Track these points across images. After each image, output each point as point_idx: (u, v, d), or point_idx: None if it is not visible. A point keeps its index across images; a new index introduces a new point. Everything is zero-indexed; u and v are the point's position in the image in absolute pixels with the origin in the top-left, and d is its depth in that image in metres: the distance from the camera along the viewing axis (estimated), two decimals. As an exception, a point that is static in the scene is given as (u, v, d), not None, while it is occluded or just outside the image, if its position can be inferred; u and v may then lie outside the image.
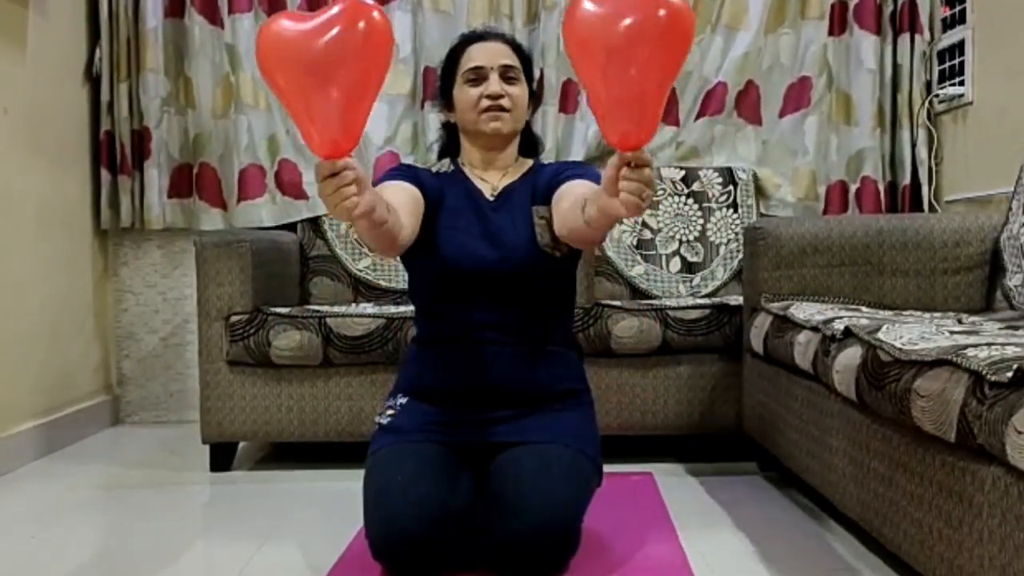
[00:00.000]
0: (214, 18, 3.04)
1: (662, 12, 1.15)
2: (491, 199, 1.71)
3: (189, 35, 3.04)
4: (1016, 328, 1.62)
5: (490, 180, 1.74)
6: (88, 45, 3.06)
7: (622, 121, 1.18)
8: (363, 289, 2.97)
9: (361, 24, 1.20)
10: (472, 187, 1.72)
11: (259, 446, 2.80)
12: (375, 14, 1.22)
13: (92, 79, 3.06)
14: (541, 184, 1.70)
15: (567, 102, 3.08)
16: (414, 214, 1.59)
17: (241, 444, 2.63)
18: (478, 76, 1.68)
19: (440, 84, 1.78)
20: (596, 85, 1.20)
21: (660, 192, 3.04)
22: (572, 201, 1.50)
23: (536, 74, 2.92)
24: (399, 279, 2.95)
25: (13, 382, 2.58)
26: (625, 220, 2.98)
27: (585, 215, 1.40)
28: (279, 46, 1.21)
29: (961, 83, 2.84)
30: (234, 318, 2.43)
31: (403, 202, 1.56)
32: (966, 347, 1.25)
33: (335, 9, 1.22)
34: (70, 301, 2.94)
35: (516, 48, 1.75)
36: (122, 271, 3.21)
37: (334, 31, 1.19)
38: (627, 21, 1.15)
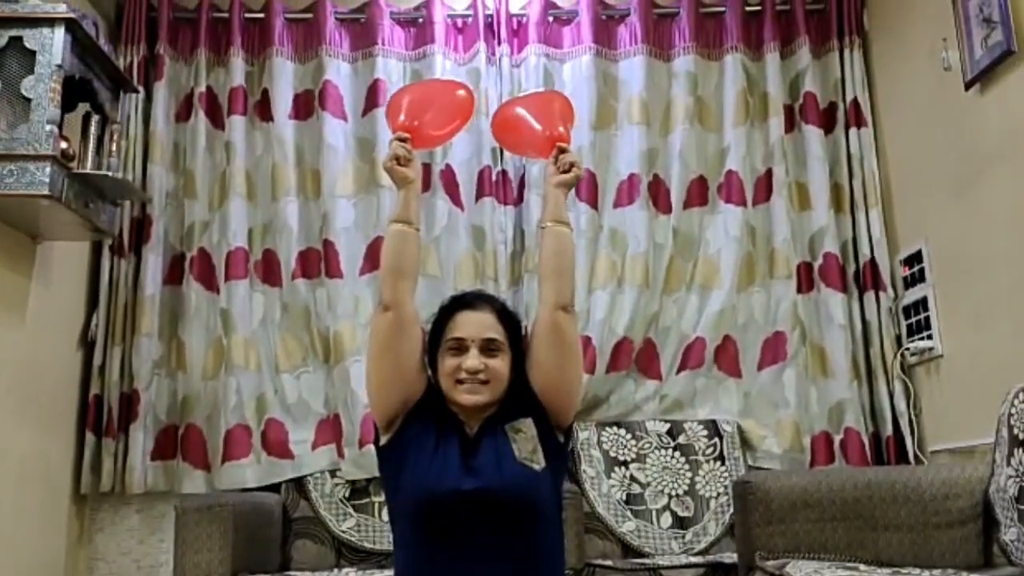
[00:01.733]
0: (211, 284, 3.17)
1: (538, 90, 2.53)
2: (472, 434, 1.72)
3: (186, 300, 3.15)
4: (1017, 587, 1.58)
5: (472, 422, 1.75)
6: (86, 311, 3.15)
7: (546, 142, 1.92)
8: (346, 552, 2.88)
9: (460, 92, 2.08)
10: (457, 423, 1.74)
11: None
12: (462, 92, 2.09)
13: (87, 344, 3.13)
14: (514, 394, 1.74)
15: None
16: (420, 341, 1.77)
17: None
18: (459, 347, 1.73)
19: (428, 344, 1.83)
20: (523, 143, 2.11)
21: (647, 446, 3.04)
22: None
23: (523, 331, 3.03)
24: (383, 540, 2.86)
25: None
26: (613, 471, 2.96)
27: (548, 217, 1.81)
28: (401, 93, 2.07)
29: (929, 337, 2.95)
30: (211, 587, 2.33)
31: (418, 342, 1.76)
32: (967, 611, 1.22)
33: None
34: (43, 568, 2.81)
35: (503, 316, 1.79)
36: (97, 537, 3.11)
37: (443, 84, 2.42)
38: (520, 104, 2.19)
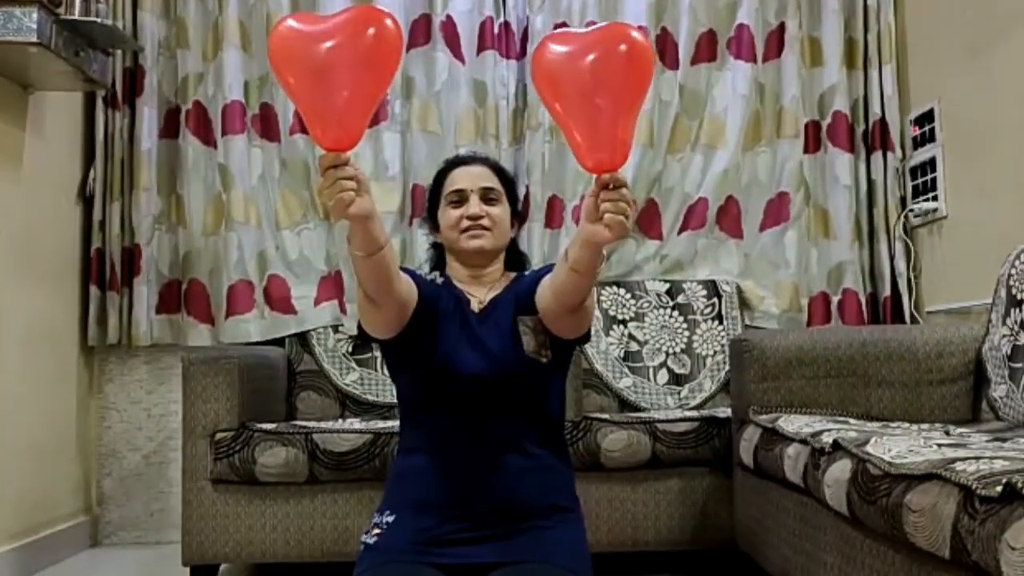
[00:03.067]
0: (207, 139, 3.13)
1: (622, 47, 1.27)
2: (477, 311, 1.73)
3: (183, 155, 3.11)
4: (1004, 440, 1.62)
5: (477, 294, 1.77)
6: (83, 166, 3.12)
7: (595, 150, 1.27)
8: (350, 404, 2.95)
9: (371, 30, 1.26)
10: (461, 297, 1.75)
11: (241, 568, 2.72)
12: (388, 21, 1.27)
13: (85, 199, 3.11)
14: (523, 290, 1.72)
15: (552, 218, 3.15)
16: (408, 291, 1.61)
17: (222, 567, 2.56)
18: (460, 198, 1.75)
19: (427, 207, 1.85)
20: (567, 119, 1.30)
21: (646, 305, 3.07)
22: (551, 278, 1.55)
23: (522, 192, 3.00)
24: (386, 393, 2.94)
25: (-9, 503, 2.53)
26: (612, 329, 3.00)
27: (570, 261, 1.43)
28: (290, 46, 1.27)
29: (934, 198, 2.93)
30: (219, 435, 2.41)
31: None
32: (955, 461, 1.25)
33: (349, 13, 1.29)
34: (54, 419, 2.90)
35: (498, 171, 1.82)
36: (107, 388, 3.19)
37: (345, 35, 1.25)
38: (590, 58, 1.27)
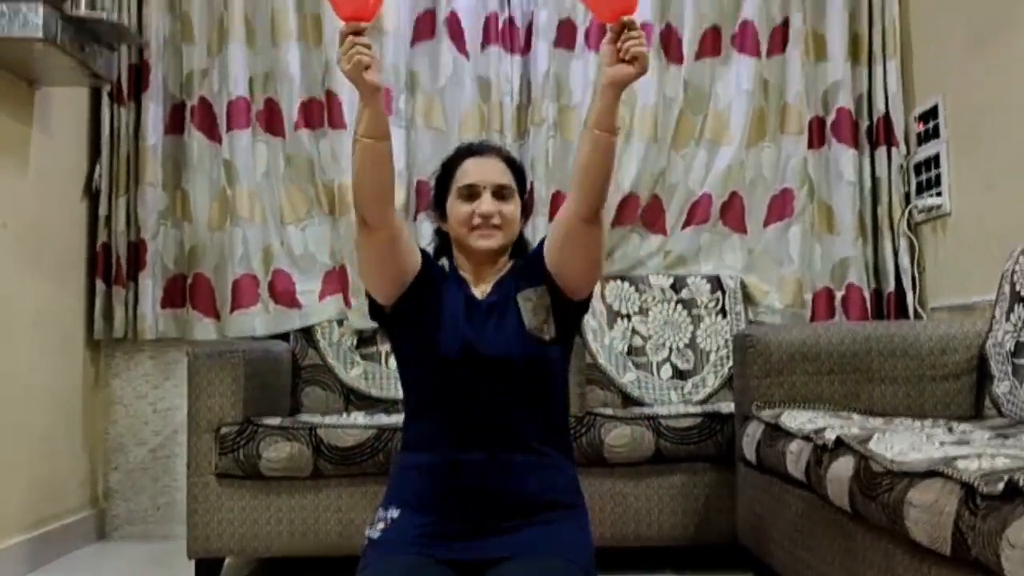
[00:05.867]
0: (212, 134, 3.13)
1: None
2: (481, 298, 1.73)
3: (188, 151, 3.12)
4: (1006, 436, 1.63)
5: (481, 284, 1.77)
6: (89, 161, 3.13)
7: (611, 2, 1.45)
8: (354, 399, 2.96)
9: None
10: (465, 285, 1.75)
11: (246, 562, 2.73)
12: None
13: (91, 194, 3.13)
14: (528, 262, 1.73)
15: (556, 213, 3.14)
16: (410, 249, 1.66)
17: (228, 560, 2.57)
18: (472, 193, 1.72)
19: (434, 193, 1.82)
20: None
21: (650, 299, 3.07)
22: (561, 224, 1.64)
23: (528, 186, 3.00)
24: (391, 388, 2.95)
25: (2, 495, 2.54)
26: (615, 323, 3.01)
27: (591, 122, 1.52)
28: None
29: (938, 194, 2.93)
30: (224, 429, 2.42)
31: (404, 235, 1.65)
32: (957, 458, 1.26)
33: None
34: (61, 413, 2.92)
35: (511, 163, 1.79)
36: (113, 382, 3.20)
37: None
38: None
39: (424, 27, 3.17)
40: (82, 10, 2.55)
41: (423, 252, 1.73)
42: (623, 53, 1.45)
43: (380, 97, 1.50)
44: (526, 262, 1.74)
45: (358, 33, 1.45)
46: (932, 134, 2.98)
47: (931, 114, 2.99)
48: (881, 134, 3.14)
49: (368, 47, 1.44)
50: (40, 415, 2.77)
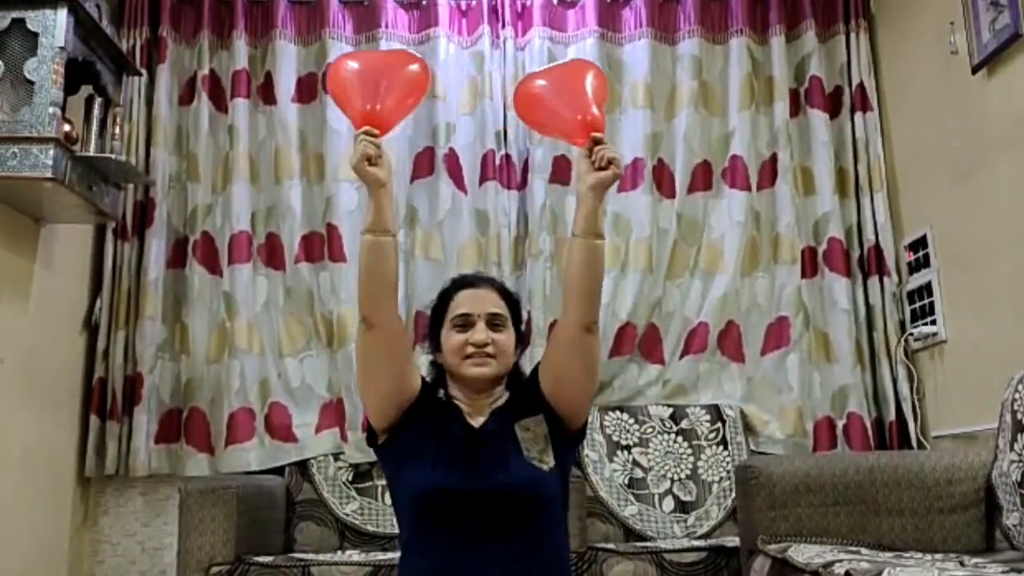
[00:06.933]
0: (214, 268, 3.18)
1: (566, 62, 1.99)
2: (477, 428, 1.71)
3: (189, 284, 3.15)
4: (1020, 571, 1.58)
5: (477, 415, 1.75)
6: (90, 295, 3.15)
7: (579, 128, 1.65)
8: (349, 534, 2.89)
9: (414, 65, 1.75)
10: (460, 416, 1.73)
11: None
12: (420, 64, 1.77)
13: (90, 328, 3.14)
14: (524, 393, 1.72)
15: (554, 343, 3.15)
16: (411, 361, 1.71)
17: None
18: (465, 323, 1.73)
19: (430, 324, 1.83)
20: (550, 123, 1.81)
21: (650, 430, 3.04)
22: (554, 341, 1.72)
23: (524, 316, 3.02)
24: (387, 523, 2.87)
25: (-24, 643, 2.43)
26: (615, 455, 2.96)
27: (579, 230, 1.62)
28: (346, 67, 1.70)
29: (933, 322, 2.95)
30: (215, 569, 2.35)
31: (406, 354, 1.71)
32: (970, 595, 1.22)
33: (394, 52, 1.94)
34: (47, 551, 2.83)
35: (504, 294, 1.81)
36: (102, 520, 3.12)
37: (395, 59, 1.89)
38: (544, 78, 1.84)
39: (423, 164, 3.27)
40: (92, 151, 2.62)
41: (423, 379, 1.74)
42: (600, 161, 1.59)
43: (385, 192, 1.59)
44: (522, 392, 1.74)
45: (372, 135, 1.57)
46: (923, 263, 3.03)
47: (920, 243, 3.04)
48: (873, 263, 3.19)
49: (377, 144, 1.56)
50: (25, 552, 2.69)
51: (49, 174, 2.37)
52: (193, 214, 3.20)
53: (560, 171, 3.26)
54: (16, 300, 2.70)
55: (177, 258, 3.20)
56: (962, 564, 1.76)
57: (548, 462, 1.64)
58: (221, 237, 3.18)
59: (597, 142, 1.61)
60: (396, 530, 1.80)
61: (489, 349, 1.71)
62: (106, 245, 3.14)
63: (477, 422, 1.72)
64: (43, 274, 2.83)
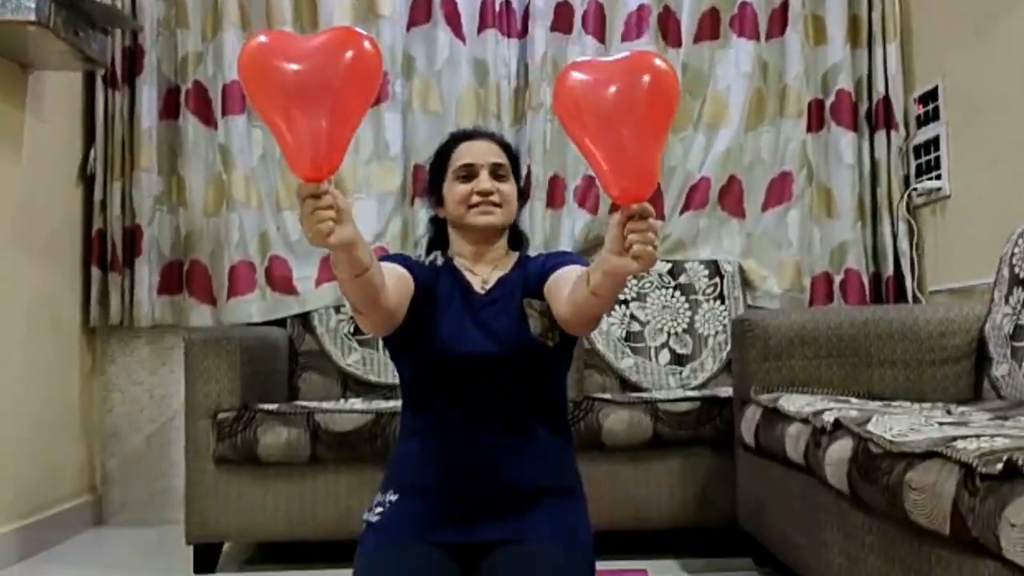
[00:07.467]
0: (208, 119, 3.11)
1: (646, 79, 1.20)
2: (482, 291, 1.72)
3: (183, 135, 3.10)
4: (1005, 418, 1.62)
5: (480, 273, 1.75)
6: (83, 146, 3.11)
7: (621, 178, 1.21)
8: (352, 384, 2.96)
9: (349, 53, 1.19)
10: (463, 279, 1.73)
11: (245, 547, 2.73)
12: (366, 44, 1.21)
13: (86, 179, 3.11)
14: (531, 275, 1.71)
15: (554, 197, 3.14)
16: (401, 293, 1.59)
17: (226, 545, 2.57)
18: (469, 173, 1.71)
19: (429, 180, 1.81)
20: (590, 148, 1.23)
21: (647, 285, 3.06)
22: (570, 282, 1.52)
23: (524, 171, 2.99)
24: (388, 374, 2.94)
25: (-5, 483, 2.54)
26: (614, 309, 3.00)
27: (591, 285, 1.39)
28: (264, 67, 1.18)
29: (938, 177, 2.92)
30: (222, 415, 2.41)
31: (390, 279, 1.56)
32: (955, 439, 1.25)
33: (326, 35, 1.23)
34: (57, 400, 2.91)
35: (505, 147, 1.79)
36: (109, 369, 3.20)
37: (322, 57, 1.19)
38: (613, 89, 1.21)
39: (420, 11, 3.15)
40: (75, -7, 2.53)
41: (410, 266, 1.68)
42: (627, 244, 1.21)
43: (354, 246, 1.30)
44: (531, 270, 1.72)
45: (316, 196, 1.20)
46: (932, 116, 2.97)
47: (931, 96, 2.97)
48: (880, 117, 3.12)
49: (330, 207, 1.21)
50: (35, 402, 2.77)
51: (32, 17, 2.29)
52: (184, 62, 3.11)
53: (562, 19, 3.14)
54: (8, 150, 2.66)
55: (169, 108, 3.14)
56: (949, 412, 1.80)
57: (554, 338, 1.66)
58: (214, 87, 3.10)
59: (638, 216, 1.21)
60: (397, 380, 1.84)
61: (495, 198, 1.70)
62: (96, 94, 3.08)
63: (480, 283, 1.72)
64: (34, 123, 2.78)
